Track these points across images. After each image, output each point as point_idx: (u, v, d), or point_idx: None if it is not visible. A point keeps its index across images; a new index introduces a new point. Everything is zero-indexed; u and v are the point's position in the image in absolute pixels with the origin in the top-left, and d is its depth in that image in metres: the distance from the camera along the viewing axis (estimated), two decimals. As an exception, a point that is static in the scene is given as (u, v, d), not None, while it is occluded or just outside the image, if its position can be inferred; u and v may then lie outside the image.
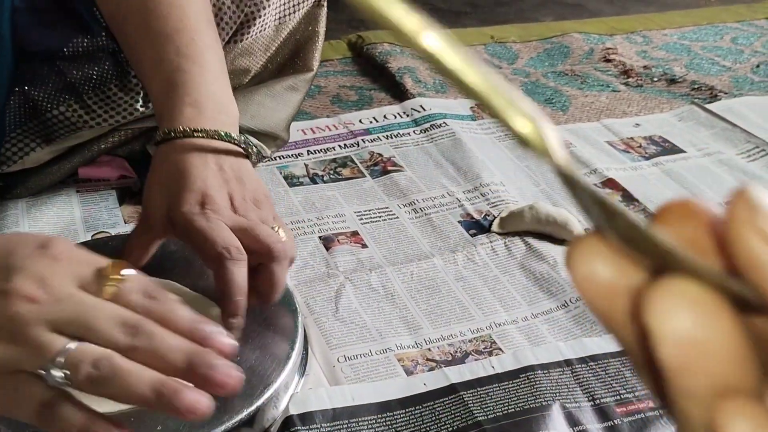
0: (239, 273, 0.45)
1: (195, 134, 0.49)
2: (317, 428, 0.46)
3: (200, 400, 0.33)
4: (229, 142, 0.50)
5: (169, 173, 0.48)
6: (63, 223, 0.64)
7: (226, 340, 0.35)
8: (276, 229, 0.49)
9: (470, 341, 0.56)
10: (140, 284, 0.35)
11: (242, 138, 0.52)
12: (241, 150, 0.51)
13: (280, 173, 0.74)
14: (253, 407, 0.45)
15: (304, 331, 0.52)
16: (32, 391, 0.32)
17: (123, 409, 0.44)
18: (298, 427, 0.46)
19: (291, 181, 0.73)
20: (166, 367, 0.33)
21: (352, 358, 0.53)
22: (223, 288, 0.45)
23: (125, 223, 0.64)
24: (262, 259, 0.46)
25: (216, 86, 0.52)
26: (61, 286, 0.34)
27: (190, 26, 0.53)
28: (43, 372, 0.32)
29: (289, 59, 0.72)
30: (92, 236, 0.63)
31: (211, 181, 0.48)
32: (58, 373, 0.32)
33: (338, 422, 0.47)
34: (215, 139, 0.49)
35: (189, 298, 0.52)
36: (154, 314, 0.34)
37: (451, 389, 0.50)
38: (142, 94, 0.64)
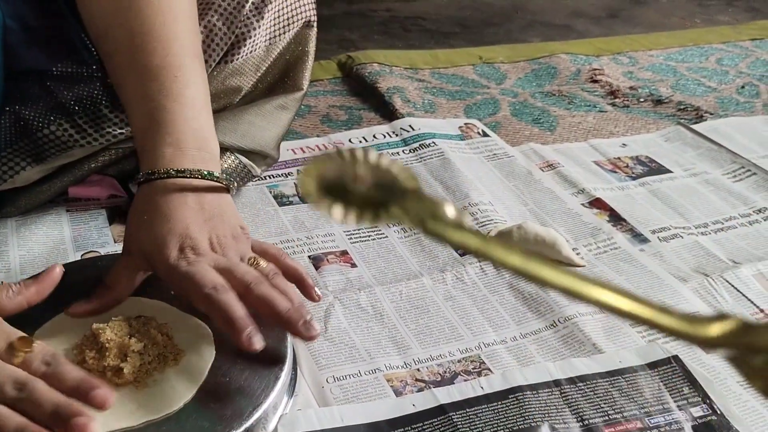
0: (231, 299, 0.46)
1: (176, 174, 0.50)
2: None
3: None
4: (210, 179, 0.51)
5: (150, 214, 0.50)
6: (52, 243, 0.64)
7: (101, 393, 0.42)
8: (253, 262, 0.51)
9: (459, 361, 0.56)
10: (42, 353, 0.44)
11: (224, 167, 0.54)
12: (222, 185, 0.53)
13: (270, 192, 0.75)
14: (242, 428, 0.45)
15: (293, 351, 0.52)
16: None
17: (112, 430, 0.44)
18: (289, 449, 0.46)
19: (281, 200, 0.74)
20: (40, 414, 0.41)
21: (341, 378, 0.53)
22: (225, 317, 0.46)
23: (115, 242, 0.64)
24: (242, 295, 0.48)
25: (197, 123, 0.54)
26: None
27: (174, 63, 0.54)
28: None
29: (279, 79, 0.73)
30: (81, 255, 0.62)
31: (192, 223, 0.50)
32: None
33: (330, 443, 0.47)
34: (196, 178, 0.51)
35: (166, 313, 0.52)
36: (48, 375, 0.43)
37: (440, 410, 0.50)
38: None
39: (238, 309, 0.47)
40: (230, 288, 0.48)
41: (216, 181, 0.52)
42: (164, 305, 0.53)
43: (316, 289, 0.56)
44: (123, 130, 0.64)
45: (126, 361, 0.46)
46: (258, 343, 0.46)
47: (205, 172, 0.52)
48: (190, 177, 0.51)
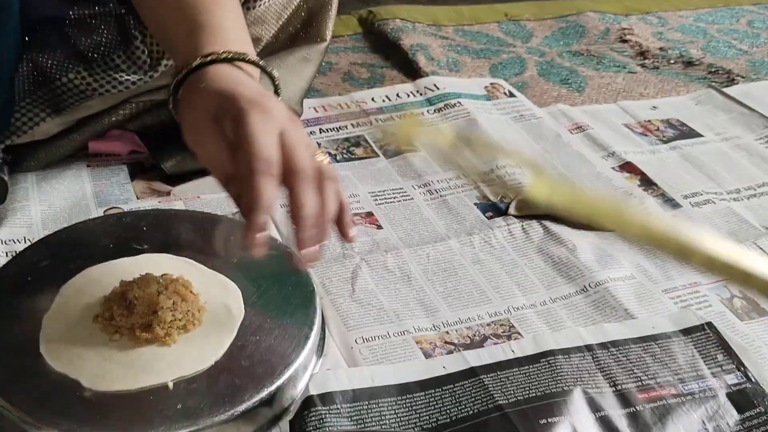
0: (271, 189, 0.40)
1: (234, 57, 0.45)
2: (337, 409, 0.45)
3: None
4: (261, 68, 0.47)
5: (210, 97, 0.43)
6: (74, 198, 0.63)
7: None
8: (314, 152, 0.44)
9: (488, 325, 0.55)
10: None
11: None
12: (272, 77, 0.48)
13: (293, 151, 0.73)
14: (273, 387, 0.45)
15: (322, 311, 0.51)
16: None
17: (143, 386, 0.43)
18: (319, 408, 0.45)
19: (304, 159, 0.72)
20: None
21: (370, 339, 0.52)
22: (253, 203, 0.40)
23: (137, 198, 0.63)
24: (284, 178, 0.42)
25: (238, 27, 0.50)
26: None
27: None
28: None
29: (302, 28, 0.70)
30: (104, 212, 0.61)
31: (258, 91, 0.44)
32: None
33: (358, 403, 0.46)
34: (246, 62, 0.46)
35: (194, 270, 0.51)
36: None
37: (471, 372, 0.49)
38: (148, 62, 0.63)
39: (268, 204, 0.40)
40: (277, 173, 0.41)
41: (266, 73, 0.48)
42: (192, 263, 0.52)
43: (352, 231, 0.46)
44: (141, 77, 0.62)
45: (155, 318, 0.46)
46: (260, 251, 0.41)
47: (254, 59, 0.46)
48: (241, 61, 0.46)
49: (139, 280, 0.48)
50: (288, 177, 0.42)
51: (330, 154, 0.73)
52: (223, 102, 0.43)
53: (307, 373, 0.48)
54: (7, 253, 0.56)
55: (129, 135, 0.68)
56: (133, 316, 0.46)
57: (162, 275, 0.49)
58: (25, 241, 0.58)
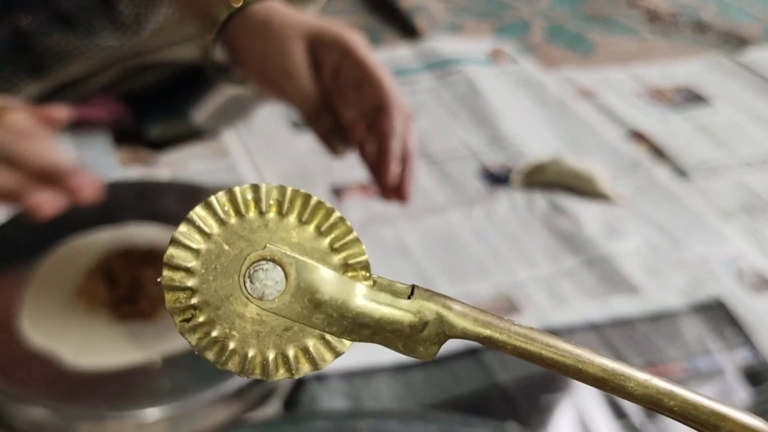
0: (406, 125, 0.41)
1: None
2: (331, 386, 0.44)
3: (46, 202, 0.39)
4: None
5: (294, 30, 0.42)
6: (57, 166, 0.61)
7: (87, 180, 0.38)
8: None
9: (488, 298, 0.53)
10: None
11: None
12: None
13: (286, 116, 0.70)
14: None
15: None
16: None
17: (129, 362, 0.41)
18: (313, 385, 0.43)
19: (297, 126, 0.69)
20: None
21: (366, 315, 0.50)
22: (385, 134, 0.41)
23: (123, 166, 0.61)
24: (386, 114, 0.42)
25: None
26: None
27: None
28: None
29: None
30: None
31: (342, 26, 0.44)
32: None
33: (354, 380, 0.44)
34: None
35: None
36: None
37: (470, 349, 0.47)
38: (132, 25, 0.60)
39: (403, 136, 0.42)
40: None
41: None
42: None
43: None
44: (124, 41, 0.59)
45: (140, 292, 0.44)
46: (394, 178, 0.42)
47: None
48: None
49: (123, 252, 0.46)
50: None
51: (326, 121, 0.71)
52: (321, 35, 0.42)
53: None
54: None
55: (113, 101, 0.65)
56: (118, 289, 0.44)
57: (148, 247, 0.47)
58: (4, 213, 0.55)
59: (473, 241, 0.58)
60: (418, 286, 0.16)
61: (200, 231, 0.16)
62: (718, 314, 0.51)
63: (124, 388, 0.41)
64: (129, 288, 0.44)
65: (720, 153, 0.69)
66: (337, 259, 0.16)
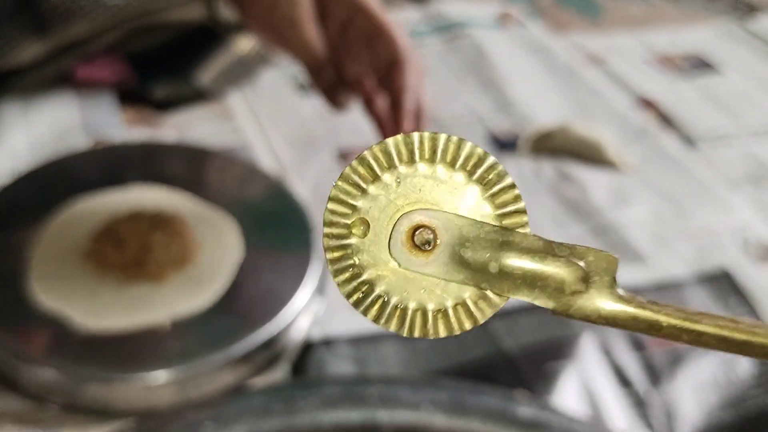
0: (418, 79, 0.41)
1: None
2: (338, 352, 0.44)
3: None
4: None
5: None
6: (62, 127, 0.60)
7: None
8: None
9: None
10: None
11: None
12: None
13: (293, 78, 0.69)
14: (273, 328, 0.43)
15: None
16: None
17: (138, 325, 0.42)
18: (321, 349, 0.44)
19: (304, 89, 0.68)
20: None
21: (373, 280, 0.50)
22: (399, 89, 0.41)
23: (128, 126, 0.60)
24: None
25: None
26: None
27: None
28: None
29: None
30: (96, 143, 0.58)
31: None
32: None
33: (361, 346, 0.45)
34: None
35: (191, 204, 0.48)
36: None
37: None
38: None
39: (415, 94, 0.42)
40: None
41: None
42: (187, 197, 0.50)
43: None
44: (126, 1, 0.58)
45: (148, 255, 0.44)
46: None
47: None
48: None
49: (130, 214, 0.46)
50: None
51: (331, 84, 0.70)
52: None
53: (308, 314, 0.46)
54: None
55: (118, 61, 0.64)
56: (125, 252, 0.44)
57: (155, 210, 0.46)
58: (9, 174, 0.55)
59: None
60: (574, 245, 0.16)
61: (357, 186, 0.16)
62: (723, 284, 0.51)
63: (132, 350, 0.41)
64: (137, 251, 0.44)
65: (728, 122, 0.69)
66: (492, 207, 0.16)
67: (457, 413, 0.36)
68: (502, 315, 0.48)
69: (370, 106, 0.46)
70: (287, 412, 0.34)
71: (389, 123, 0.44)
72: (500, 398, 0.37)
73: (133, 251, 0.44)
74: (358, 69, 0.45)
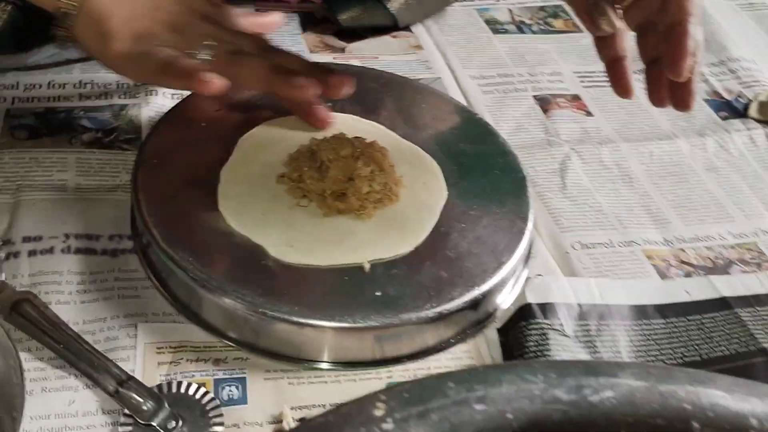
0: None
1: None
2: (561, 325, 0.37)
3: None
4: None
5: None
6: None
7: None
8: None
9: (732, 247, 0.44)
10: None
11: None
12: None
13: (480, 16, 0.62)
14: (485, 286, 0.36)
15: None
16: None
17: (335, 264, 0.36)
18: (540, 320, 0.37)
19: (494, 27, 0.61)
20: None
21: (590, 246, 0.43)
22: (685, 14, 0.34)
23: (310, 52, 0.55)
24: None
25: None
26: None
27: None
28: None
29: None
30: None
31: None
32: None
33: (585, 322, 0.37)
34: None
35: (400, 146, 0.42)
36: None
37: (723, 303, 0.39)
38: None
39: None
40: None
41: None
42: (384, 129, 0.44)
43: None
44: None
45: (350, 186, 0.38)
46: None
47: None
48: None
49: (332, 139, 0.40)
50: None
51: (524, 23, 0.62)
52: None
53: (520, 275, 0.39)
54: (173, 95, 0.49)
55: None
56: (326, 180, 0.38)
57: (356, 137, 0.41)
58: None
59: (707, 177, 0.49)
60: None
61: None
62: None
63: (330, 292, 0.36)
64: (338, 181, 0.38)
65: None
66: None
67: None
68: (752, 305, 0.39)
69: (640, 41, 0.38)
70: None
71: (667, 56, 0.36)
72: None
73: (335, 181, 0.38)
74: None
